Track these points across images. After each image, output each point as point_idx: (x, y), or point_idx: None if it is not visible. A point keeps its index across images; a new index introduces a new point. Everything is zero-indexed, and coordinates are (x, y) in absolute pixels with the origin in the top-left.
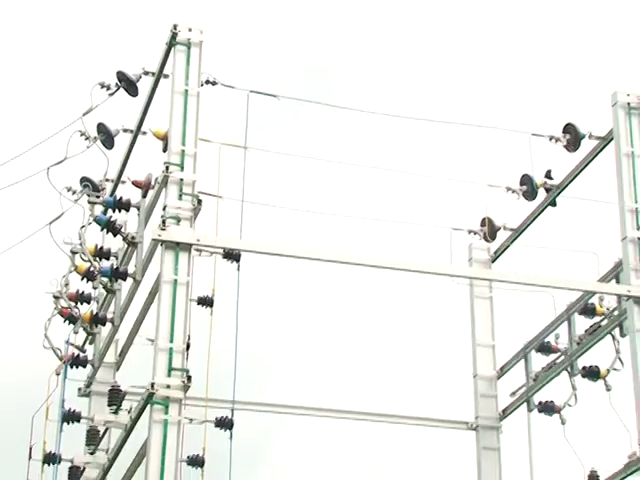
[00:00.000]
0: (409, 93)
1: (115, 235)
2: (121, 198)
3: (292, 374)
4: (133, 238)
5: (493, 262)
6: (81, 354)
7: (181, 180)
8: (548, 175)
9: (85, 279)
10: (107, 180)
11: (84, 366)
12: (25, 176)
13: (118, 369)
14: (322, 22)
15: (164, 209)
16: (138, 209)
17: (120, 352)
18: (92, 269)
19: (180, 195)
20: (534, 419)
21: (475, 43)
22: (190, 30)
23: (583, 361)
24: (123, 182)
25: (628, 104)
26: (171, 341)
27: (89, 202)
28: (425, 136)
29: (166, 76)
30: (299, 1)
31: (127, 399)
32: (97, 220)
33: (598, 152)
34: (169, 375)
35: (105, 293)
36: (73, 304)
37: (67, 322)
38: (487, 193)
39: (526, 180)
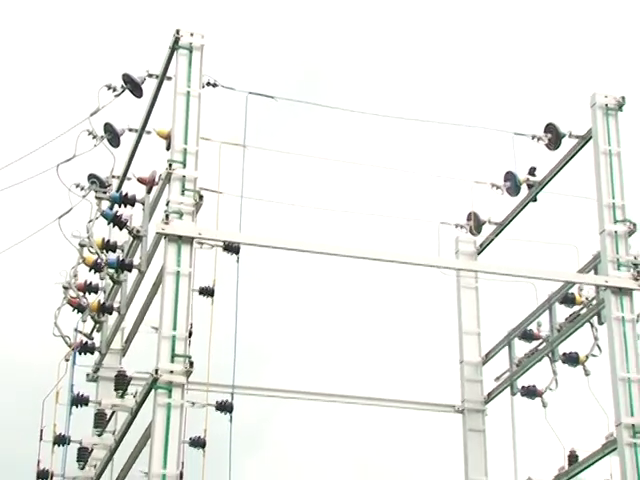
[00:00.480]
0: (401, 94)
1: (121, 229)
2: (127, 194)
3: (289, 360)
4: (138, 232)
5: (479, 254)
6: (89, 341)
7: (183, 177)
8: (532, 172)
9: (93, 270)
10: (113, 177)
11: (92, 353)
12: (36, 173)
13: (124, 355)
14: (318, 27)
15: (167, 204)
16: (143, 204)
17: (126, 339)
18: (99, 261)
19: (182, 191)
20: (517, 402)
21: (462, 48)
22: (192, 35)
23: (563, 348)
24: (129, 179)
25: (606, 105)
26: (174, 329)
27: (96, 198)
28: (415, 135)
29: (169, 78)
30: (297, 7)
31: (132, 384)
32: (104, 215)
33: (578, 150)
34: (172, 361)
35: (112, 284)
36: (81, 294)
37: (76, 311)
38: (473, 189)
39: (510, 177)
